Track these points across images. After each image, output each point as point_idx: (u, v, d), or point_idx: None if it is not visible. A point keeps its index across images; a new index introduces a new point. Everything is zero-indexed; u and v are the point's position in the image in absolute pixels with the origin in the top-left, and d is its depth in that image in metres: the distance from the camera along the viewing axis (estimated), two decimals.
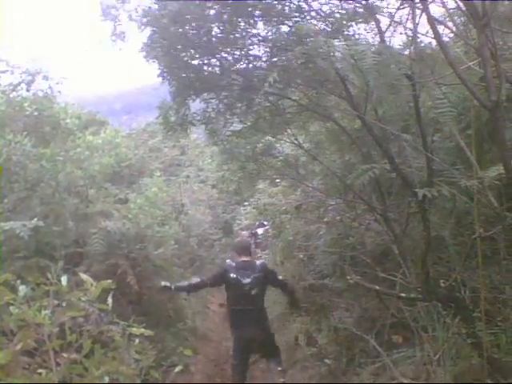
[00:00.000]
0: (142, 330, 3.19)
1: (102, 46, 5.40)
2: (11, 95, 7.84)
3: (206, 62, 5.23)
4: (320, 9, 4.74)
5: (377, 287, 5.46)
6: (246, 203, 14.21)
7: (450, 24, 4.46)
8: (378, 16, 4.35)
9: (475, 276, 4.82)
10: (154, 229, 9.04)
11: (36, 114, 7.69)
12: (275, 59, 4.93)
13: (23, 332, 2.77)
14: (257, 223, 16.52)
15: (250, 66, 5.21)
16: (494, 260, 5.03)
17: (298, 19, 4.77)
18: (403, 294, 5.13)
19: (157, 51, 5.08)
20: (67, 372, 2.80)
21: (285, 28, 4.83)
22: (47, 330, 2.78)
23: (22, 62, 7.98)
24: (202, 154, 21.79)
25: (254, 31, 4.92)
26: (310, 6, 4.75)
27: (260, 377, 7.76)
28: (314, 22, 4.79)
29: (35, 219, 5.29)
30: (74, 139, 8.39)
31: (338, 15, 4.61)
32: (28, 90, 8.08)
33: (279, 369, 5.93)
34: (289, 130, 6.51)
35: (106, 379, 2.82)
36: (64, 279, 2.97)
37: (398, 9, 4.14)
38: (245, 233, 19.59)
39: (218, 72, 5.31)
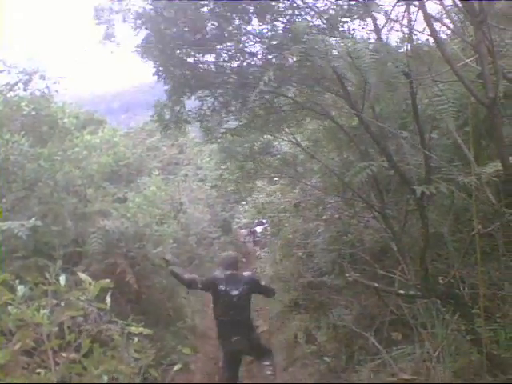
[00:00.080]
0: (141, 329, 3.19)
1: (100, 46, 5.39)
2: (8, 95, 7.83)
3: (200, 59, 5.22)
4: (315, 5, 4.73)
5: (376, 284, 5.47)
6: (244, 202, 14.22)
7: (446, 21, 4.46)
8: (374, 13, 4.35)
9: (474, 272, 4.83)
10: (153, 228, 9.03)
11: (33, 113, 7.68)
12: (270, 56, 4.93)
13: (22, 332, 2.77)
14: (255, 221, 16.55)
15: (246, 63, 5.20)
16: (493, 256, 5.03)
17: (292, 15, 4.76)
18: (402, 291, 5.14)
19: (151, 50, 5.08)
20: (66, 371, 2.80)
21: (279, 24, 4.82)
22: (46, 329, 2.78)
23: (21, 61, 7.98)
24: (200, 152, 21.78)
25: (249, 28, 4.92)
26: (304, 2, 4.74)
27: (258, 376, 7.79)
28: (309, 18, 4.77)
29: (33, 219, 5.28)
30: (71, 138, 8.38)
31: (332, 11, 4.60)
32: (25, 90, 8.07)
33: (267, 363, 6.19)
34: (286, 129, 6.51)
35: (105, 378, 2.83)
36: (62, 279, 2.98)
37: (395, 6, 4.14)
38: (243, 231, 19.64)
39: (213, 69, 5.30)
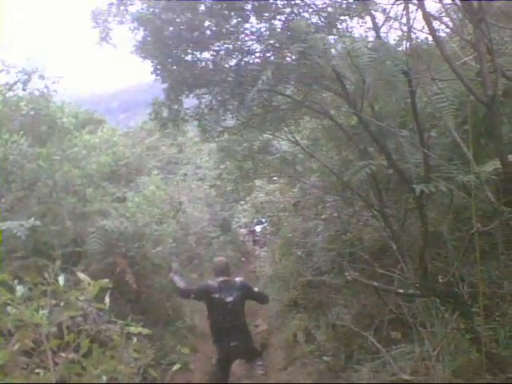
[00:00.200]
0: (140, 329, 3.19)
1: (98, 47, 5.39)
2: (7, 95, 7.81)
3: (198, 56, 5.21)
4: (313, 3, 4.72)
5: (375, 283, 5.46)
6: (242, 202, 14.22)
7: (446, 19, 4.47)
8: (372, 11, 4.35)
9: (473, 271, 4.82)
10: (152, 227, 9.03)
11: (32, 113, 7.67)
12: (269, 54, 4.92)
13: (21, 332, 2.77)
14: (255, 221, 16.54)
15: (243, 61, 5.19)
16: (492, 255, 5.03)
17: (290, 13, 4.75)
18: (401, 290, 5.14)
19: (149, 50, 5.08)
20: (65, 372, 2.79)
21: (277, 22, 4.82)
22: (45, 329, 2.78)
23: (20, 61, 7.97)
24: (199, 151, 21.74)
25: (247, 25, 4.91)
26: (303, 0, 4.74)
27: (249, 375, 7.80)
28: (307, 15, 4.77)
29: (32, 219, 5.27)
30: (70, 138, 8.38)
31: (331, 9, 4.60)
32: (24, 90, 8.06)
33: (260, 363, 6.59)
34: (285, 128, 6.50)
35: (104, 378, 2.82)
36: (61, 279, 2.97)
37: (393, 4, 4.13)
38: (243, 230, 19.63)
39: (210, 67, 5.29)
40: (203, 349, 8.71)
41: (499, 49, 4.22)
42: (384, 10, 4.28)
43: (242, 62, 5.20)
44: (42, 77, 8.06)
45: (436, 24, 4.07)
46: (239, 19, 4.85)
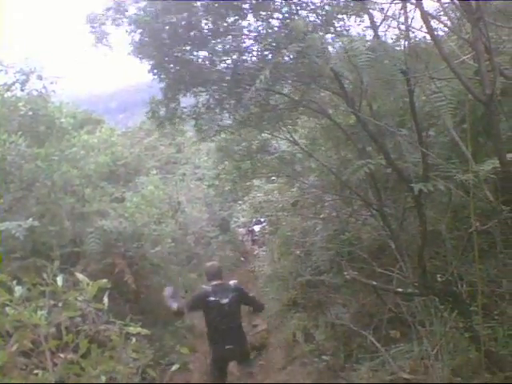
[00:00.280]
0: (139, 329, 3.18)
1: (94, 49, 5.39)
2: (6, 95, 7.82)
3: (195, 53, 5.20)
4: (311, 1, 4.72)
5: (374, 282, 5.46)
6: (240, 202, 14.20)
7: (444, 18, 4.46)
8: (370, 10, 4.35)
9: (472, 270, 4.82)
10: (151, 227, 9.04)
11: (30, 113, 7.68)
12: (266, 52, 4.92)
13: (19, 333, 2.76)
14: (254, 220, 16.52)
15: (241, 59, 5.18)
16: (491, 254, 5.04)
17: (288, 11, 4.74)
18: (400, 289, 5.14)
19: (146, 51, 5.08)
20: (64, 372, 2.79)
21: (275, 22, 4.81)
22: (43, 330, 2.77)
23: (19, 61, 7.97)
24: (198, 151, 21.71)
25: (245, 23, 4.91)
26: None
27: (258, 373, 7.80)
28: (304, 13, 4.76)
29: (30, 219, 5.27)
30: (69, 138, 8.39)
31: (328, 8, 4.59)
32: (22, 90, 8.07)
33: (250, 370, 6.41)
34: (284, 128, 6.50)
35: (103, 379, 2.82)
36: (60, 279, 2.97)
37: (392, 3, 4.13)
38: (242, 230, 19.62)
39: (207, 64, 5.28)
40: (202, 349, 8.69)
41: (497, 47, 4.23)
42: (382, 9, 4.28)
43: (239, 63, 5.19)
44: (40, 77, 8.07)
45: (434, 23, 4.07)
46: (236, 17, 4.84)
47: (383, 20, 4.35)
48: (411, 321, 5.28)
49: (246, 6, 4.74)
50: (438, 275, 4.74)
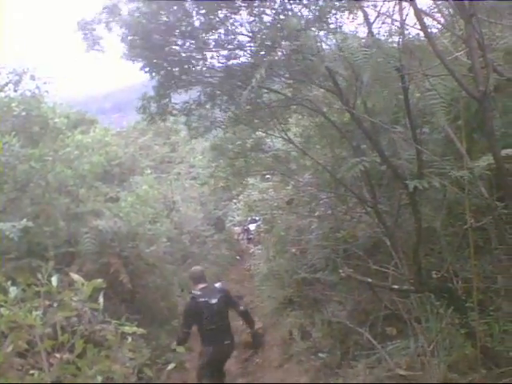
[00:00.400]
0: (135, 329, 3.17)
1: (87, 53, 5.40)
2: None
3: (186, 46, 5.18)
4: None
5: (369, 280, 5.46)
6: (235, 200, 14.19)
7: (437, 15, 4.47)
8: (364, 7, 4.34)
9: (467, 266, 4.84)
10: (146, 227, 9.03)
11: (24, 114, 7.66)
12: (259, 48, 4.89)
13: (15, 333, 2.76)
14: (249, 219, 16.52)
15: (233, 53, 5.17)
16: (486, 250, 5.04)
17: (281, 6, 4.73)
18: (396, 286, 5.14)
19: (138, 51, 5.08)
20: (60, 372, 2.79)
21: (267, 18, 4.79)
22: (39, 330, 2.77)
23: (11, 61, 7.95)
24: (192, 150, 21.69)
25: (237, 17, 4.88)
26: None
27: (254, 371, 7.80)
28: (297, 8, 4.74)
29: (25, 220, 5.26)
30: (63, 139, 8.36)
31: (322, 2, 4.57)
32: (16, 91, 8.04)
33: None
34: (278, 126, 6.48)
35: (99, 379, 2.81)
36: (55, 279, 2.96)
37: (385, 0, 4.13)
38: (237, 229, 19.62)
39: (199, 58, 5.26)
40: (199, 348, 8.71)
41: (490, 44, 4.22)
42: (375, 7, 4.28)
43: (231, 59, 5.18)
44: (33, 77, 8.04)
45: (427, 20, 4.07)
46: (228, 12, 4.82)
47: (377, 17, 4.35)
48: (407, 317, 5.29)
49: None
50: (434, 272, 4.75)
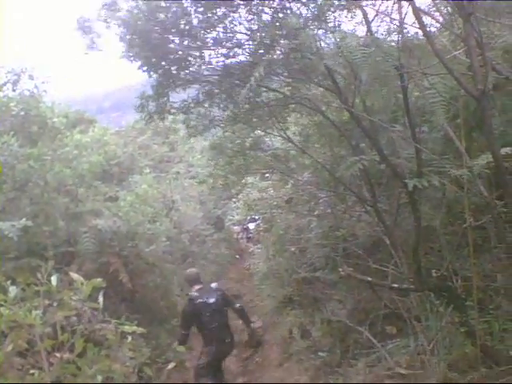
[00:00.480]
0: (135, 328, 3.17)
1: (86, 54, 5.41)
2: None
3: (184, 44, 5.17)
4: None
5: (369, 278, 5.46)
6: (234, 199, 14.16)
7: (436, 14, 4.47)
8: (363, 6, 4.34)
9: (467, 265, 4.84)
10: (145, 226, 9.02)
11: (23, 113, 7.65)
12: (258, 47, 4.89)
13: (15, 333, 2.75)
14: (248, 218, 16.50)
15: (232, 51, 5.16)
16: (485, 248, 5.05)
17: (280, 4, 4.72)
18: (395, 285, 5.15)
19: (136, 50, 5.08)
20: (60, 372, 2.78)
21: (266, 16, 4.79)
22: (39, 330, 2.76)
23: (9, 61, 7.94)
24: (191, 149, 21.65)
25: (236, 15, 4.88)
26: None
27: (254, 370, 7.81)
28: (296, 7, 4.73)
29: (24, 219, 5.26)
30: (61, 138, 8.35)
31: (320, 1, 4.57)
32: (14, 90, 8.03)
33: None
34: (277, 125, 6.48)
35: (99, 378, 2.81)
36: (54, 279, 2.96)
37: None
38: (236, 228, 19.61)
39: (197, 56, 5.26)
40: (199, 347, 8.72)
41: (489, 43, 4.23)
42: (374, 5, 4.28)
43: (229, 57, 5.17)
44: (31, 77, 8.03)
45: (426, 19, 4.07)
46: (227, 10, 4.82)
47: (376, 16, 4.35)
48: (407, 316, 5.29)
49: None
50: (433, 270, 4.75)
